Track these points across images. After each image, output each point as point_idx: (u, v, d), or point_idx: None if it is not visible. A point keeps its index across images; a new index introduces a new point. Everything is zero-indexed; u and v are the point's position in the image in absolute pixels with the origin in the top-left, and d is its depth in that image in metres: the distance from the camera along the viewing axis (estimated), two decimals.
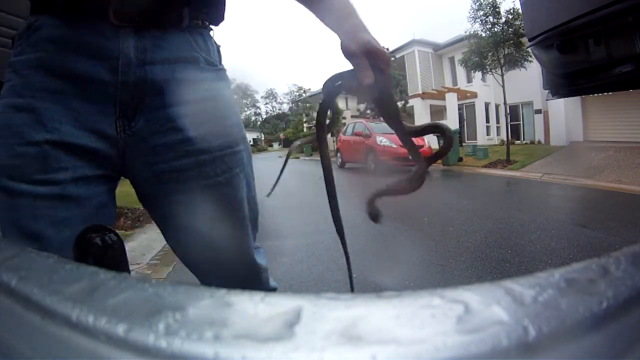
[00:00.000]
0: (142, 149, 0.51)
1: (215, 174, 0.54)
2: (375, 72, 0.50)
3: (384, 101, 0.54)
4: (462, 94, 14.27)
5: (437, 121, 0.61)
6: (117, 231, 0.53)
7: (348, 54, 0.52)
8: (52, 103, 0.46)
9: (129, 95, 0.49)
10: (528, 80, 10.47)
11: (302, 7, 0.64)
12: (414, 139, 0.62)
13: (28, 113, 0.45)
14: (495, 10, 8.90)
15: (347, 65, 0.53)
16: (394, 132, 0.58)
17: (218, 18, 0.58)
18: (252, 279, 0.65)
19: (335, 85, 0.53)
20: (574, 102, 10.57)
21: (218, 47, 0.59)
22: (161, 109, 0.50)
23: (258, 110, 38.41)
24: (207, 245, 0.55)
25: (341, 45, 0.52)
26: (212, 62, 0.56)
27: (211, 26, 0.58)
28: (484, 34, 9.13)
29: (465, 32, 9.62)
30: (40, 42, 0.47)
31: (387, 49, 13.12)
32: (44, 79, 0.46)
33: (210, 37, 0.58)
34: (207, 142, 0.53)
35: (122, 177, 0.55)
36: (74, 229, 0.43)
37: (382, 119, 0.61)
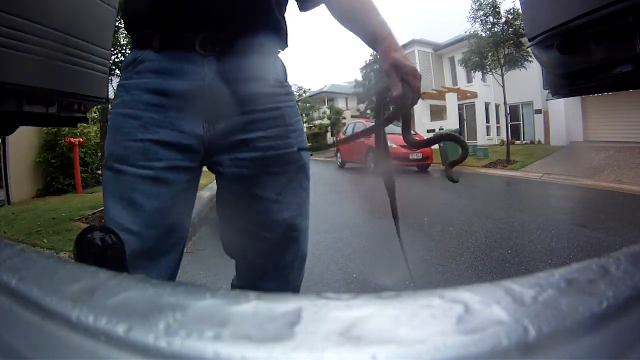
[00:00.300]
0: (222, 143, 0.66)
1: (278, 166, 0.69)
2: (404, 85, 0.64)
3: (405, 108, 0.67)
4: (462, 94, 14.26)
5: (451, 132, 0.77)
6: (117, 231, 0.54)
7: (383, 70, 0.67)
8: (153, 113, 0.62)
9: (213, 105, 0.63)
10: (528, 80, 10.46)
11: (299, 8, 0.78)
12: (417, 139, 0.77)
13: (135, 120, 0.61)
14: (495, 10, 8.89)
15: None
16: (399, 133, 0.71)
17: (283, 45, 0.72)
18: (298, 266, 0.77)
19: (380, 98, 0.69)
20: (574, 102, 10.57)
21: (284, 67, 0.73)
22: (237, 115, 0.65)
23: None
24: (259, 222, 0.69)
25: (379, 63, 0.69)
26: (278, 80, 0.70)
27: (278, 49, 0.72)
28: (484, 34, 9.12)
29: (465, 32, 9.62)
30: (144, 71, 0.63)
31: None
32: (148, 97, 0.62)
33: (278, 59, 0.72)
34: (272, 142, 0.67)
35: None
36: (162, 203, 0.62)
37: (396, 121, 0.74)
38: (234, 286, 0.80)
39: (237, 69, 0.64)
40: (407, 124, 0.74)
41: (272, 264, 0.74)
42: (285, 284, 0.77)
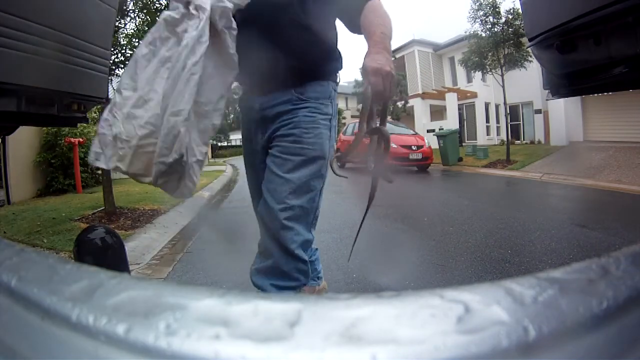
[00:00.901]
0: (267, 144, 1.08)
1: (289, 154, 1.03)
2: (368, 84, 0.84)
3: (365, 103, 0.86)
4: (462, 94, 14.26)
5: (379, 126, 0.93)
6: (117, 231, 0.54)
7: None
8: (248, 131, 1.15)
9: (261, 123, 1.09)
10: (528, 80, 10.46)
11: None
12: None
13: (245, 133, 1.18)
14: (495, 10, 8.89)
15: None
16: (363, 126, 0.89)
17: (321, 74, 1.10)
18: (298, 246, 1.01)
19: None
20: (574, 102, 10.57)
21: (324, 88, 1.08)
22: (272, 127, 1.07)
23: None
24: (270, 190, 1.03)
25: None
26: (303, 99, 1.05)
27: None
28: (484, 34, 9.12)
29: (465, 32, 9.62)
30: (241, 107, 1.19)
31: None
32: (243, 119, 1.19)
33: (314, 84, 1.07)
34: (287, 138, 1.04)
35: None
36: (256, 179, 1.14)
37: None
38: (259, 244, 1.10)
39: (270, 99, 1.06)
40: (369, 115, 0.89)
41: (274, 230, 1.01)
42: (285, 254, 1.01)
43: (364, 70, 0.86)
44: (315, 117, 1.05)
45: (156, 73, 0.87)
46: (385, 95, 0.86)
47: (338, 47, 1.15)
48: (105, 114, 0.90)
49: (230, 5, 0.89)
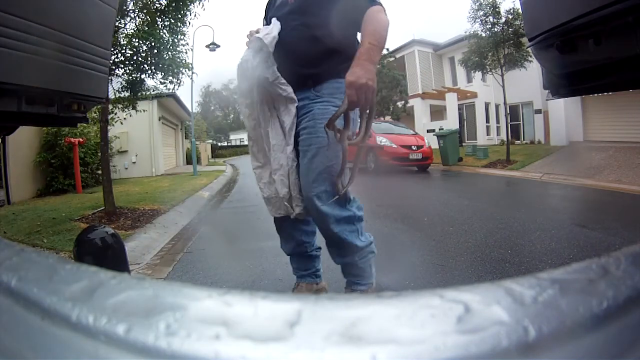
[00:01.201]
0: (298, 133, 1.22)
1: (307, 145, 1.19)
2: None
3: (339, 109, 1.04)
4: (462, 94, 14.26)
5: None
6: (117, 231, 0.54)
7: None
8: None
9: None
10: (528, 80, 10.46)
11: None
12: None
13: None
14: (495, 10, 8.89)
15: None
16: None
17: (331, 74, 1.23)
18: (317, 218, 1.19)
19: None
20: (574, 102, 10.57)
21: (340, 85, 1.13)
22: (299, 118, 1.22)
23: None
24: (301, 182, 1.20)
25: None
26: (318, 95, 1.21)
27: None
28: (484, 34, 9.12)
29: (465, 32, 9.61)
30: None
31: (387, 50, 13.11)
32: None
33: (330, 82, 1.21)
34: (306, 130, 1.19)
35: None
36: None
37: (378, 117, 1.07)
38: None
39: (298, 96, 1.21)
40: (345, 118, 1.05)
41: (313, 216, 1.20)
42: (328, 235, 1.19)
43: (346, 85, 0.99)
44: (329, 109, 1.14)
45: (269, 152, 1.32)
46: (359, 105, 1.00)
47: (357, 39, 1.24)
48: (257, 183, 1.36)
49: (277, 89, 1.20)
